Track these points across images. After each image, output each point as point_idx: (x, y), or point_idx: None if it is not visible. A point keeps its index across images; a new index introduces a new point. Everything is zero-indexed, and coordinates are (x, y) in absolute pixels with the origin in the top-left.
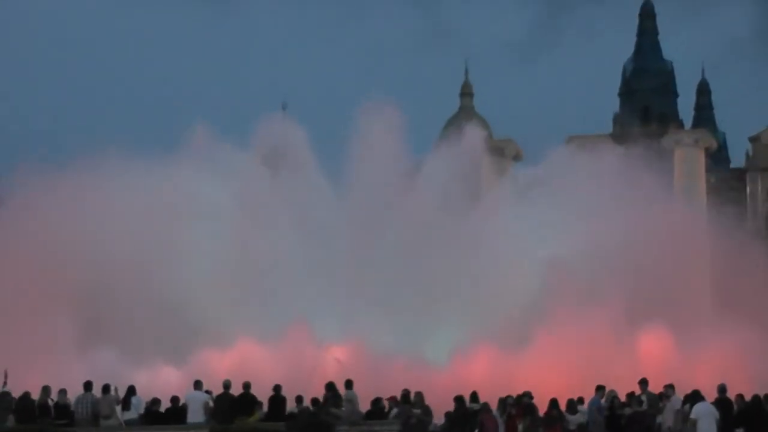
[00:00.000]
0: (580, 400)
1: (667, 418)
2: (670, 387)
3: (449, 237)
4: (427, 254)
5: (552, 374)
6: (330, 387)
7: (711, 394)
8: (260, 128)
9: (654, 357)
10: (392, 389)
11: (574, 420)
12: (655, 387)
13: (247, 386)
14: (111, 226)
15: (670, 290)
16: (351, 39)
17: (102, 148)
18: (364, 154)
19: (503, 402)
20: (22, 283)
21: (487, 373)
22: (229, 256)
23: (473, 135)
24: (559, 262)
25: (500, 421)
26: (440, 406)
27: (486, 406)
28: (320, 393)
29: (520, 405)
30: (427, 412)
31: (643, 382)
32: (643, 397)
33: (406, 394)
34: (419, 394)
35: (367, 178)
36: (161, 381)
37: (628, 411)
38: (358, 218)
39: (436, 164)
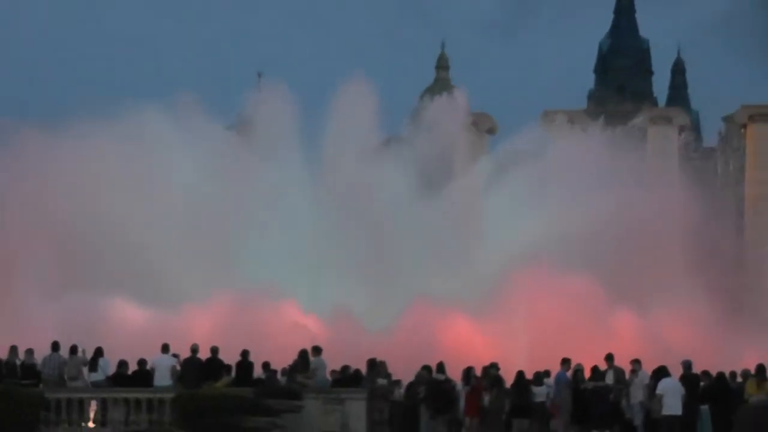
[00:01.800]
0: (547, 373)
1: (635, 393)
2: (636, 362)
3: (421, 213)
4: (398, 229)
5: (520, 346)
6: (302, 354)
7: (678, 369)
8: (243, 97)
9: (626, 332)
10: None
11: (540, 392)
12: (627, 361)
13: (214, 351)
14: (88, 188)
15: (642, 269)
16: (326, 11)
17: (74, 112)
18: (336, 131)
19: (467, 373)
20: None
21: (454, 342)
22: (199, 225)
23: (452, 106)
24: (531, 240)
25: (463, 392)
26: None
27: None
28: (276, 347)
29: (485, 376)
30: (392, 381)
31: (609, 357)
32: (609, 372)
33: (372, 361)
34: (383, 363)
35: (338, 155)
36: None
37: (590, 385)
38: (328, 196)
39: (410, 139)
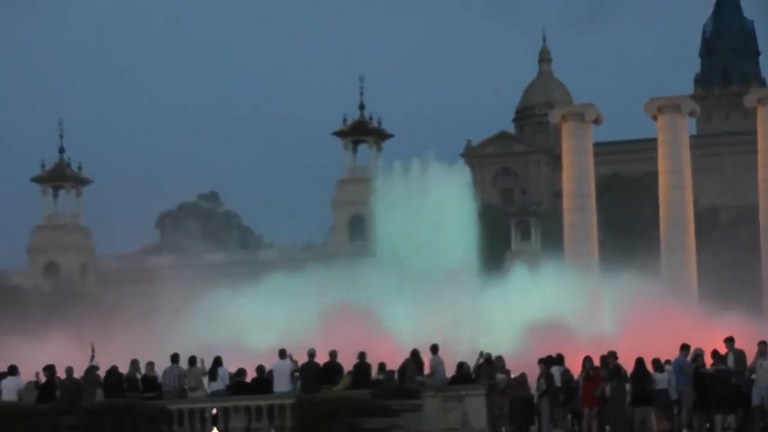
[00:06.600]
0: (667, 361)
1: (762, 377)
2: (764, 344)
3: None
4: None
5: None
6: (414, 354)
7: None
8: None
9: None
10: None
11: (661, 379)
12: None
13: (333, 354)
14: None
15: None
16: (422, 14)
17: None
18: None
19: (584, 363)
20: None
21: None
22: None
23: None
24: None
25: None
26: None
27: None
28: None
29: (603, 366)
30: (510, 375)
31: (729, 340)
32: (730, 355)
33: (488, 356)
34: (500, 358)
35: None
36: None
37: (712, 369)
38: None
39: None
